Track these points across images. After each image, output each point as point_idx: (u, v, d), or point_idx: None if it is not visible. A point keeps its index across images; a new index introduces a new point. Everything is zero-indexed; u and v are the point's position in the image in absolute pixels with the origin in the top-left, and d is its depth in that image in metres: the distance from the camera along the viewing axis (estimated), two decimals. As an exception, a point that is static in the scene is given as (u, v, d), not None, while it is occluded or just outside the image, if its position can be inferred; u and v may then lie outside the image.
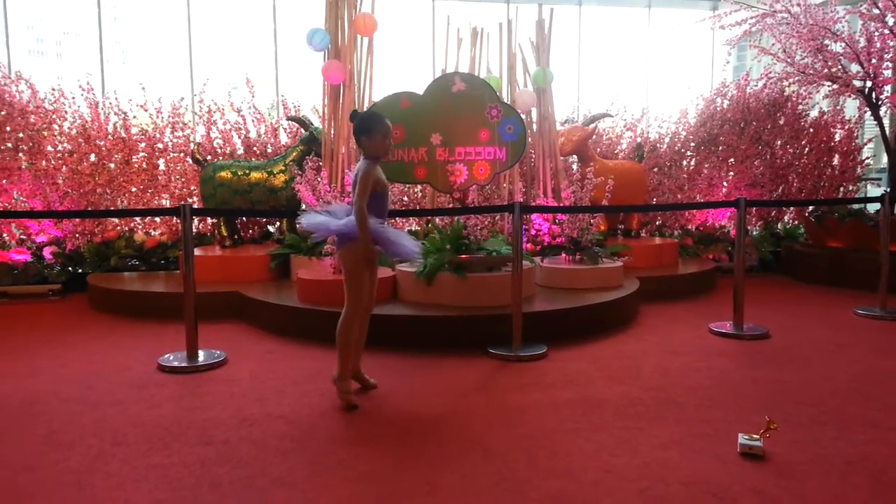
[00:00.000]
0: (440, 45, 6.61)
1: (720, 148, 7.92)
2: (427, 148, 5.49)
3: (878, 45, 6.56)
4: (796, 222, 8.19)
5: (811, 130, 8.02)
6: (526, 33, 6.54)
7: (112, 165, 6.78)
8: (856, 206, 7.19)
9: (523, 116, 5.98)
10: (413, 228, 6.94)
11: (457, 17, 6.44)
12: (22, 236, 6.48)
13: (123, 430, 2.87)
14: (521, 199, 6.16)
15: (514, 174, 6.30)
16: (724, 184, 7.86)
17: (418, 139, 5.46)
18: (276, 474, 2.44)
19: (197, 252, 5.80)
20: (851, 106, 7.87)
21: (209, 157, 6.75)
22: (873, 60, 6.60)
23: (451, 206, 6.09)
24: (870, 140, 8.41)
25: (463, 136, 5.51)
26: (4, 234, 6.47)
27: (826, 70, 6.91)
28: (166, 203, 6.95)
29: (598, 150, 7.65)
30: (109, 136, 6.79)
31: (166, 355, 3.97)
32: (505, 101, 6.04)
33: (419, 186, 6.88)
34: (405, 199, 7.10)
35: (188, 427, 2.90)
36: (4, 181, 6.36)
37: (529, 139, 6.27)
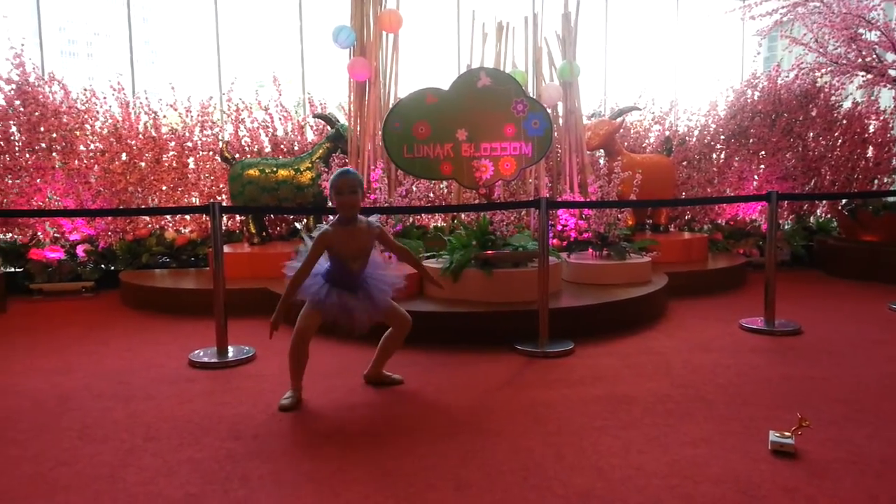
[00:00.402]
0: (465, 41, 6.60)
1: (751, 140, 7.79)
2: (453, 144, 5.48)
3: (916, 33, 6.41)
4: (829, 216, 8.03)
5: (844, 122, 7.85)
6: (552, 26, 6.50)
7: (143, 164, 6.89)
8: (891, 199, 7.03)
9: (549, 111, 5.95)
10: (439, 224, 6.95)
11: (482, 12, 6.42)
12: (56, 234, 6.62)
13: (155, 424, 2.92)
14: (548, 195, 6.13)
15: (540, 169, 6.27)
16: (755, 177, 7.74)
17: (444, 135, 5.46)
18: (305, 469, 2.46)
19: (226, 249, 5.87)
20: (886, 96, 7.68)
21: (237, 156, 6.83)
22: (910, 49, 6.44)
23: (476, 201, 6.09)
24: (906, 131, 8.20)
25: (489, 131, 5.50)
26: (39, 233, 6.62)
27: (860, 60, 6.77)
28: (196, 201, 7.05)
29: (626, 143, 7.57)
30: (140, 136, 6.90)
31: (197, 351, 4.03)
32: (531, 95, 6.00)
33: (444, 182, 6.88)
34: (431, 195, 7.10)
35: (218, 422, 2.94)
36: (39, 180, 6.50)
37: (556, 134, 6.23)
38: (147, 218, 6.93)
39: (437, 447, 2.66)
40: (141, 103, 7.05)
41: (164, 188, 6.95)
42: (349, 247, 3.10)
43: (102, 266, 6.64)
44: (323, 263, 3.21)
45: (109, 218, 6.71)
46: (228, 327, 4.04)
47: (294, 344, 3.21)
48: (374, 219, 3.26)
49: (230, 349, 4.01)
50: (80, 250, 6.46)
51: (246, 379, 3.59)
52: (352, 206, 3.07)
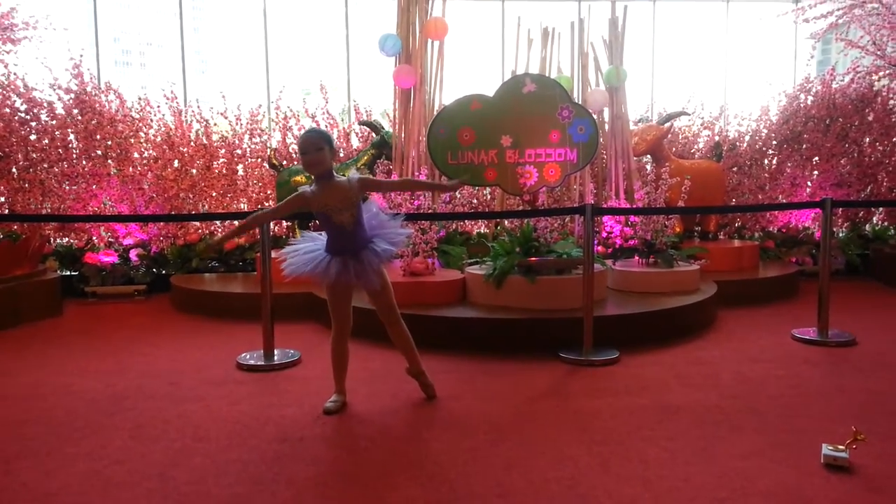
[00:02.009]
0: (510, 47, 6.59)
1: (804, 146, 7.58)
2: (497, 150, 5.47)
3: (980, 33, 6.16)
4: (886, 223, 7.75)
5: (903, 126, 7.57)
6: (598, 31, 6.45)
7: (194, 171, 7.06)
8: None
9: (595, 116, 5.89)
10: (482, 231, 6.94)
11: (527, 18, 6.41)
12: (110, 239, 6.83)
13: (205, 425, 2.98)
14: (593, 201, 6.07)
15: (585, 175, 6.22)
16: (808, 183, 7.53)
17: (488, 141, 5.45)
18: (349, 472, 2.48)
19: (273, 254, 5.96)
20: (949, 99, 7.40)
21: (285, 163, 6.94)
22: (974, 50, 6.20)
23: (520, 208, 6.06)
24: (969, 135, 7.86)
25: (533, 137, 5.47)
26: (94, 237, 6.84)
27: (921, 62, 6.54)
28: (244, 207, 7.19)
29: (674, 149, 7.45)
30: (192, 143, 7.08)
31: (244, 354, 4.11)
32: (576, 101, 5.96)
33: (488, 189, 6.87)
34: (474, 201, 7.10)
35: (265, 423, 2.99)
36: (94, 186, 6.72)
37: (601, 139, 6.17)
38: (197, 223, 7.10)
39: (481, 454, 2.65)
40: (193, 112, 7.24)
41: (214, 194, 7.11)
42: (329, 200, 3.05)
43: (154, 270, 6.82)
44: (320, 238, 3.24)
45: (162, 223, 6.90)
46: (275, 331, 4.11)
47: (332, 343, 3.26)
48: (352, 173, 3.20)
49: (276, 352, 4.08)
50: (132, 254, 6.66)
51: (291, 382, 3.65)
52: (317, 163, 3.02)
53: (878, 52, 6.81)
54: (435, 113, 5.91)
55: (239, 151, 7.22)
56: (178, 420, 3.06)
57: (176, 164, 7.05)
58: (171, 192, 6.93)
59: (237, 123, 7.27)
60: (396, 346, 3.40)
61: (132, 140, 6.94)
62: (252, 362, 3.96)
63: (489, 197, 7.16)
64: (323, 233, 3.24)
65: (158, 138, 7.04)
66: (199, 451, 2.69)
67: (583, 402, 3.28)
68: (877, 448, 2.62)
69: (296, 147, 7.23)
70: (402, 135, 6.08)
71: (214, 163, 7.14)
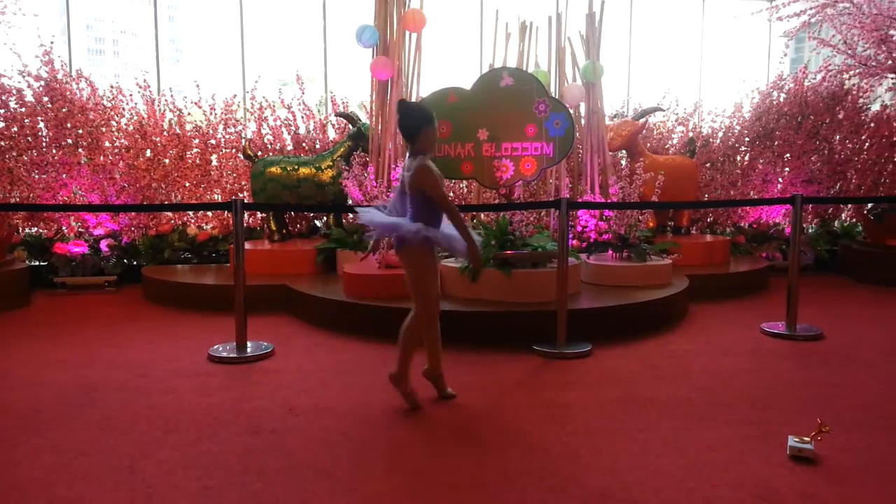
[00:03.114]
0: (488, 40, 6.58)
1: (776, 143, 7.69)
2: (474, 143, 5.47)
3: (947, 34, 6.29)
4: (854, 220, 7.90)
5: (872, 125, 7.71)
6: (576, 26, 6.46)
7: (167, 161, 6.97)
8: (919, 204, 6.90)
9: (571, 111, 5.92)
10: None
11: (505, 12, 6.40)
12: (80, 229, 6.72)
13: (175, 417, 2.96)
14: (568, 195, 6.10)
15: (561, 170, 6.24)
16: (780, 180, 7.64)
17: (465, 134, 5.46)
18: (321, 464, 2.47)
19: (247, 246, 5.92)
20: (917, 99, 7.56)
21: (259, 153, 6.88)
22: (941, 51, 6.33)
23: (496, 201, 6.07)
24: (936, 134, 8.03)
25: (510, 131, 5.48)
26: (64, 227, 6.72)
27: (890, 62, 6.65)
28: (218, 198, 7.12)
29: (649, 145, 7.51)
30: (165, 133, 6.98)
31: (216, 346, 4.07)
32: (553, 95, 5.98)
33: (465, 182, 6.87)
34: (451, 194, 7.10)
35: (237, 416, 2.97)
36: (65, 176, 6.60)
37: (577, 134, 6.20)
38: (170, 214, 7.01)
39: (454, 446, 2.66)
40: (166, 101, 7.13)
41: (187, 185, 7.02)
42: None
43: (125, 261, 6.72)
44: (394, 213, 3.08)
45: (133, 213, 6.80)
46: (248, 323, 4.08)
47: (429, 323, 3.16)
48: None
49: (249, 345, 4.04)
50: (103, 245, 6.55)
51: (264, 374, 3.62)
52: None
53: (849, 52, 6.92)
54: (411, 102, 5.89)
55: (213, 141, 7.13)
56: (147, 412, 3.02)
57: (148, 153, 6.94)
58: (143, 181, 6.83)
59: (211, 113, 7.18)
60: (426, 339, 3.29)
61: (104, 129, 6.82)
62: (224, 354, 3.93)
63: (466, 190, 7.16)
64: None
65: (131, 127, 6.93)
66: (168, 444, 2.66)
67: (555, 394, 3.30)
68: (841, 440, 2.68)
69: (270, 138, 7.17)
70: (380, 127, 6.05)
71: (188, 153, 7.05)
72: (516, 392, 3.33)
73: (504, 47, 6.33)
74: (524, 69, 6.12)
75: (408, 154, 3.07)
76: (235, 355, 3.92)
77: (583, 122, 6.46)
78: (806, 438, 2.56)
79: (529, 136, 5.48)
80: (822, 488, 2.28)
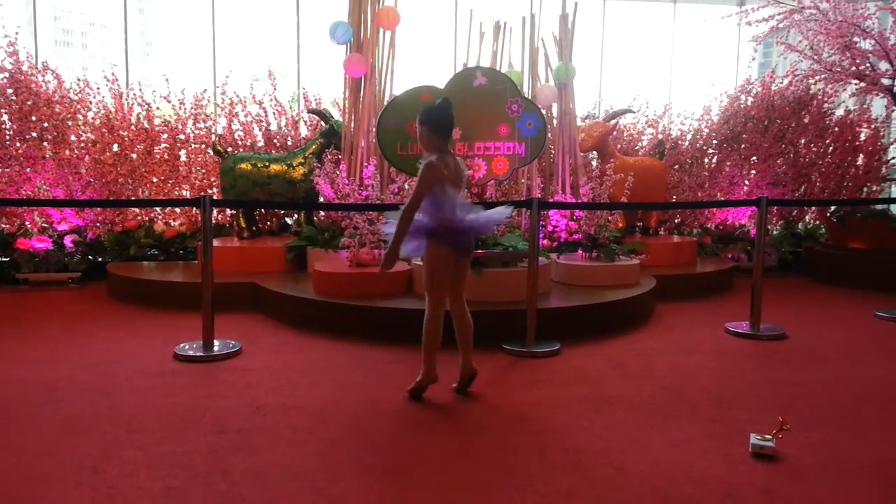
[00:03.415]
0: (462, 39, 6.59)
1: (743, 146, 7.81)
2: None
3: (909, 42, 6.45)
4: (818, 222, 8.07)
5: (836, 129, 7.88)
6: (549, 27, 6.50)
7: (134, 156, 6.85)
8: (879, 207, 7.07)
9: (544, 112, 5.95)
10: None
11: (479, 11, 6.41)
12: (44, 224, 6.58)
13: (139, 417, 2.91)
14: (539, 195, 6.13)
15: (532, 170, 6.28)
16: (746, 182, 7.77)
17: (437, 133, 5.46)
18: (288, 464, 2.46)
19: (215, 243, 5.86)
20: (878, 105, 7.72)
21: (230, 149, 6.80)
22: (903, 58, 6.48)
23: (468, 200, 6.08)
24: (896, 140, 8.24)
25: (483, 130, 5.50)
26: (27, 222, 6.57)
27: (854, 68, 6.80)
28: (186, 194, 7.02)
29: (619, 146, 7.59)
30: (132, 127, 6.87)
31: (182, 344, 4.02)
32: (526, 95, 6.01)
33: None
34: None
35: (202, 415, 2.93)
36: (28, 170, 6.46)
37: (549, 134, 6.24)
38: (137, 210, 6.90)
39: (422, 444, 2.67)
40: (134, 94, 7.02)
41: (154, 180, 6.91)
42: (453, 174, 3.11)
43: (90, 257, 6.60)
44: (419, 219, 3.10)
45: (99, 209, 6.68)
46: (215, 321, 4.03)
47: (428, 320, 3.23)
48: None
49: (216, 343, 4.00)
50: (67, 241, 6.42)
51: (231, 373, 3.59)
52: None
53: (815, 57, 7.05)
54: (385, 103, 5.88)
55: (182, 136, 7.03)
56: (111, 412, 2.98)
57: (115, 148, 6.82)
58: (109, 176, 6.71)
59: (181, 108, 7.08)
60: (462, 336, 3.36)
61: (70, 122, 6.69)
62: (191, 353, 3.88)
63: (438, 189, 7.15)
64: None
65: (97, 121, 6.81)
66: (132, 444, 2.62)
67: (524, 392, 3.32)
68: (801, 437, 2.74)
69: (241, 134, 7.10)
70: (352, 124, 6.03)
71: (156, 147, 6.94)
72: (486, 391, 3.34)
73: (478, 47, 6.35)
74: (497, 69, 6.15)
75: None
76: (202, 354, 3.87)
77: (555, 122, 6.50)
78: (768, 436, 2.61)
79: (502, 135, 5.51)
80: (783, 485, 2.33)
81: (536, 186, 6.21)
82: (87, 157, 6.69)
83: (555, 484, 2.33)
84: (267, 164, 6.17)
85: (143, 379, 3.46)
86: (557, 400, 3.22)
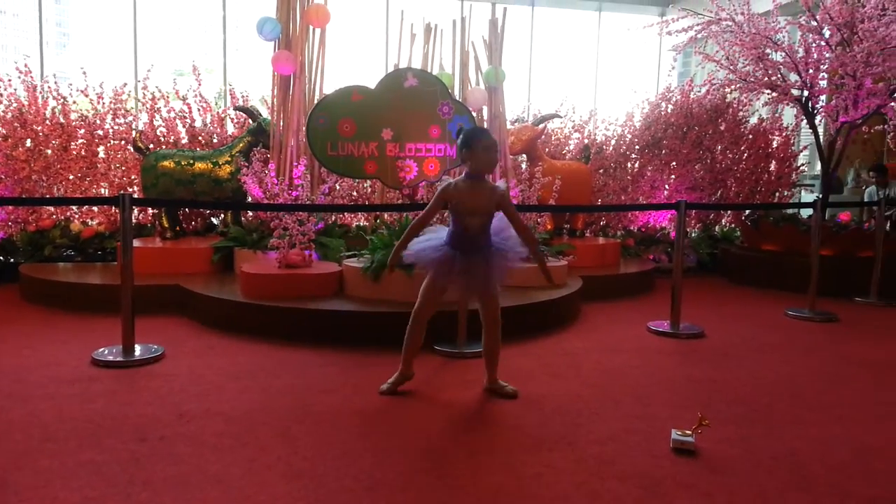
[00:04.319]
0: (393, 40, 6.59)
1: (663, 151, 8.11)
2: (378, 143, 5.47)
3: (815, 56, 6.82)
4: (733, 225, 8.46)
5: (750, 136, 8.28)
6: (479, 31, 6.57)
7: (49, 152, 6.53)
8: (790, 211, 7.47)
9: (474, 114, 6.01)
10: (361, 224, 6.90)
11: (411, 12, 6.42)
12: (-50, 223, 6.20)
13: (53, 425, 2.78)
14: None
15: (463, 172, 6.32)
16: (666, 186, 8.06)
17: (369, 133, 5.44)
18: (213, 472, 2.40)
19: (136, 243, 5.64)
20: (789, 114, 8.16)
21: (151, 146, 6.57)
22: (810, 71, 6.86)
23: (400, 201, 6.08)
24: (805, 147, 8.77)
25: (414, 131, 5.51)
26: (-70, 221, 6.18)
27: (766, 78, 7.15)
28: (105, 192, 6.74)
29: (547, 150, 7.74)
30: (47, 122, 6.55)
31: (101, 349, 3.86)
32: (457, 98, 6.05)
33: (368, 182, 6.84)
34: (354, 193, 7.04)
35: (122, 423, 2.82)
36: (-69, 165, 6.07)
37: (479, 137, 6.30)
38: (52, 208, 6.58)
39: (351, 447, 2.65)
40: (49, 87, 6.69)
41: (71, 177, 6.61)
42: (469, 202, 3.10)
43: (1, 258, 6.25)
44: (442, 230, 3.29)
45: (10, 207, 6.33)
46: (136, 325, 3.89)
47: (412, 321, 3.29)
48: (501, 183, 3.22)
49: (137, 347, 3.86)
50: (-25, 240, 6.08)
51: (153, 379, 3.47)
52: (494, 164, 3.21)
53: (731, 67, 7.38)
54: (315, 102, 5.81)
55: (101, 132, 6.75)
56: (23, 420, 2.83)
57: (28, 143, 6.48)
58: (22, 173, 6.37)
59: (99, 102, 6.79)
60: (485, 349, 3.38)
61: (-23, 116, 6.32)
62: (110, 358, 3.73)
63: (369, 190, 7.13)
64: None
65: (9, 115, 6.46)
66: (46, 453, 2.50)
67: (454, 393, 3.35)
68: (719, 432, 2.86)
69: (164, 130, 6.87)
70: (281, 123, 5.92)
71: (72, 143, 6.64)
72: (417, 392, 3.35)
73: (409, 48, 6.36)
74: (429, 71, 6.17)
75: None
76: (122, 359, 3.72)
77: (485, 125, 6.57)
78: (688, 432, 2.72)
79: (433, 137, 5.53)
80: (702, 478, 2.44)
81: (467, 188, 6.25)
82: (-4, 152, 6.34)
83: (484, 483, 2.36)
84: (191, 161, 6.00)
85: (58, 386, 3.30)
86: (487, 400, 3.26)
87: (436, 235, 3.29)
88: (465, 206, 3.11)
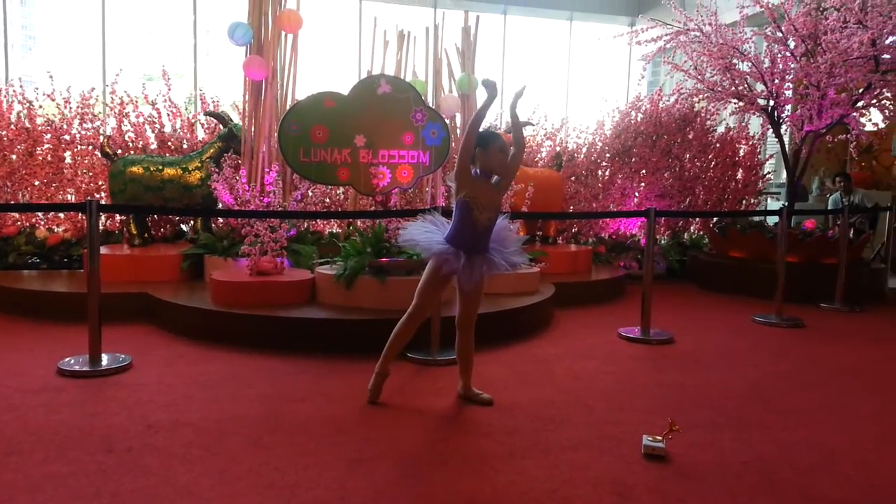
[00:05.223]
0: (366, 47, 6.59)
1: (633, 159, 8.21)
2: (350, 149, 5.45)
3: (781, 66, 6.97)
4: (701, 233, 8.59)
5: (718, 145, 8.43)
6: (452, 39, 6.60)
7: (14, 157, 6.40)
8: (756, 219, 7.60)
9: (447, 121, 6.03)
10: (334, 230, 6.88)
11: (384, 19, 6.43)
12: None
13: (18, 437, 2.71)
14: (444, 204, 6.20)
15: (437, 178, 6.34)
16: (636, 194, 8.17)
17: (342, 140, 5.42)
18: (182, 483, 2.36)
19: (103, 250, 5.54)
20: (755, 123, 8.32)
21: (119, 151, 6.47)
22: (776, 81, 7.00)
23: (372, 208, 6.07)
24: (771, 156, 8.95)
25: (387, 138, 5.51)
26: None
27: (733, 88, 7.29)
28: (71, 198, 6.62)
29: (519, 157, 7.78)
30: (12, 126, 6.41)
31: (67, 359, 3.78)
32: (430, 105, 6.07)
33: (341, 188, 6.82)
34: (327, 200, 7.02)
35: (89, 434, 2.77)
36: None
37: (453, 144, 6.32)
38: (16, 215, 6.44)
39: (323, 457, 2.63)
40: (14, 91, 6.56)
41: (36, 183, 6.48)
42: (484, 197, 3.16)
43: (-38, 265, 6.10)
44: (441, 224, 3.31)
45: (-28, 213, 6.18)
46: (104, 334, 3.82)
47: (406, 321, 3.30)
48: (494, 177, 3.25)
49: (104, 357, 3.79)
50: (-65, 247, 5.91)
51: (120, 389, 3.40)
52: (505, 165, 3.23)
53: (699, 77, 7.51)
54: (287, 108, 5.77)
55: (67, 137, 6.63)
56: (-15, 433, 2.76)
57: (-9, 148, 6.35)
58: (-16, 179, 6.23)
59: (66, 107, 6.67)
60: (459, 353, 3.40)
61: (-63, 119, 6.17)
62: (76, 368, 3.65)
63: (342, 197, 7.10)
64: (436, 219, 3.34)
65: (-29, 119, 6.32)
66: (9, 466, 2.44)
67: (427, 401, 3.34)
68: (689, 437, 2.90)
69: (132, 135, 6.77)
70: (252, 129, 5.88)
71: (38, 148, 6.51)
72: (389, 400, 3.34)
73: (382, 55, 6.36)
74: (402, 78, 6.18)
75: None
76: (88, 368, 3.65)
77: (458, 132, 6.60)
78: (658, 437, 2.75)
79: (406, 144, 5.54)
80: (672, 483, 2.46)
81: (441, 195, 6.27)
82: (-43, 157, 6.19)
83: (457, 491, 2.36)
84: (160, 167, 5.92)
85: (22, 396, 3.22)
86: (460, 407, 3.26)
87: (437, 230, 3.31)
88: (481, 200, 3.17)
